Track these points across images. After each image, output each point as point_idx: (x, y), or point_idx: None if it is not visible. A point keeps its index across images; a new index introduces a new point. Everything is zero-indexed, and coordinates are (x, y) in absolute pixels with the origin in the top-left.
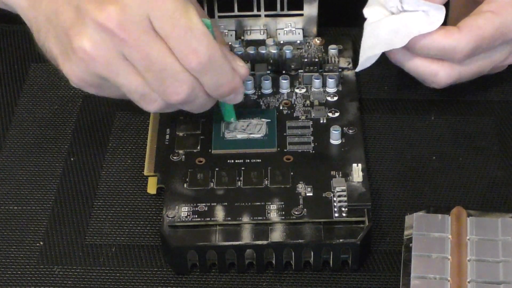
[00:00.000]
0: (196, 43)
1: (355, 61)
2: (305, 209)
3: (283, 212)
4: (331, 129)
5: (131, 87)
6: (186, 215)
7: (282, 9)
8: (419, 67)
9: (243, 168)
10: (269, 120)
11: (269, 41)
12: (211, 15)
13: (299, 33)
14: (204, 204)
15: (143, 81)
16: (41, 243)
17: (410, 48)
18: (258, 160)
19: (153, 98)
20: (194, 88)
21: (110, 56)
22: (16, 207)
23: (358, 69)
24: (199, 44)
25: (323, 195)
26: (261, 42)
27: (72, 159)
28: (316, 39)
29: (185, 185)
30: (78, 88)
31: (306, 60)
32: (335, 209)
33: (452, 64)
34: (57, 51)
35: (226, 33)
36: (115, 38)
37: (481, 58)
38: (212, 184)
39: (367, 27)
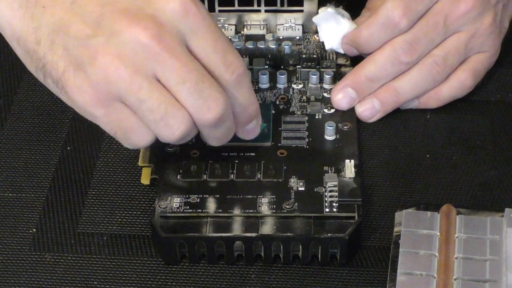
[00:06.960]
0: (233, 55)
1: (352, 58)
2: (296, 203)
3: (274, 206)
4: (326, 124)
5: (155, 102)
6: (178, 206)
7: (282, 4)
8: None
9: (236, 161)
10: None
11: (268, 36)
12: (211, 9)
13: (298, 29)
14: (196, 195)
15: (171, 96)
16: (34, 230)
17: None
18: (252, 154)
19: (180, 115)
20: (227, 104)
21: (137, 70)
22: (11, 194)
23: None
24: (236, 56)
25: (315, 190)
26: (261, 37)
27: (68, 148)
28: (315, 36)
29: (178, 177)
30: (80, 111)
31: (304, 56)
32: (326, 204)
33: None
34: (65, 63)
35: (226, 28)
36: (149, 51)
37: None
38: (205, 176)
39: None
